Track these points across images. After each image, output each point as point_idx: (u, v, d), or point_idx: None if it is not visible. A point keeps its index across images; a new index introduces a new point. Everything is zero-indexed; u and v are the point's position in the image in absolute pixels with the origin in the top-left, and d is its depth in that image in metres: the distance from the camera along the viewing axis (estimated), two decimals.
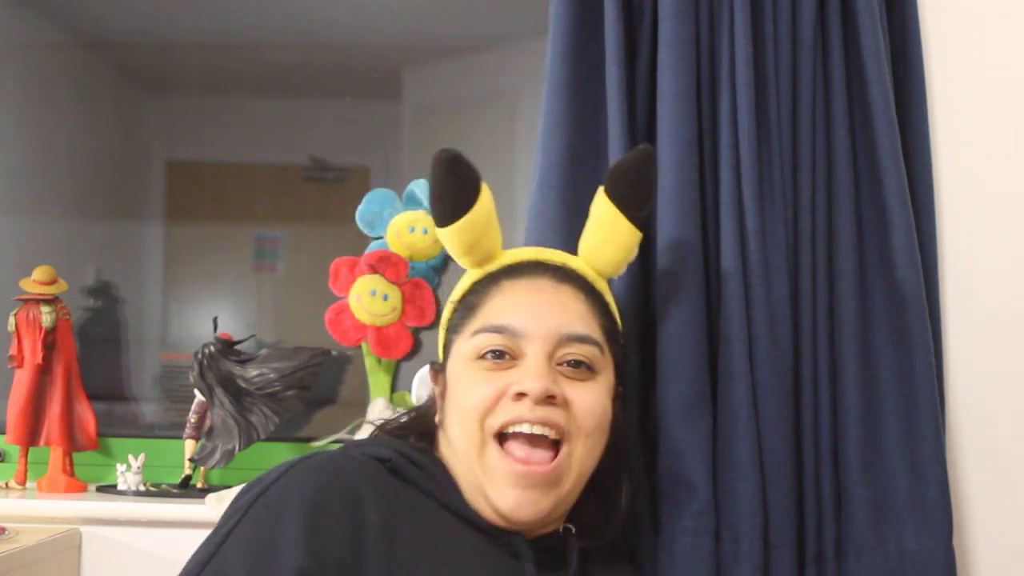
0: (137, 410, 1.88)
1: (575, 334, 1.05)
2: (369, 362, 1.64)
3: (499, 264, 1.12)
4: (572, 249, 1.18)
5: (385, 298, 1.60)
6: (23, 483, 1.62)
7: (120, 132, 2.02)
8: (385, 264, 1.61)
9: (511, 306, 1.06)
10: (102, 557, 1.49)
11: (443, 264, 1.68)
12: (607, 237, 1.12)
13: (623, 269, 1.18)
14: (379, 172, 1.98)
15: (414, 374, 1.53)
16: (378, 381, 1.64)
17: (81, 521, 1.49)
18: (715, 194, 1.32)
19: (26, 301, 1.63)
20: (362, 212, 1.67)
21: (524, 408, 1.01)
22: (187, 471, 1.60)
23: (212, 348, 1.59)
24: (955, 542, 1.29)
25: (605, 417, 1.06)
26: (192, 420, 1.61)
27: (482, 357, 1.04)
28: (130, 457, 1.59)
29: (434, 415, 1.11)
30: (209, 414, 1.59)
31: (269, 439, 1.60)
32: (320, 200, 1.96)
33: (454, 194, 1.08)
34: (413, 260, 1.65)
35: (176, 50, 1.99)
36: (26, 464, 1.62)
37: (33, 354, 1.61)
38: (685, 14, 1.31)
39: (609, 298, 1.15)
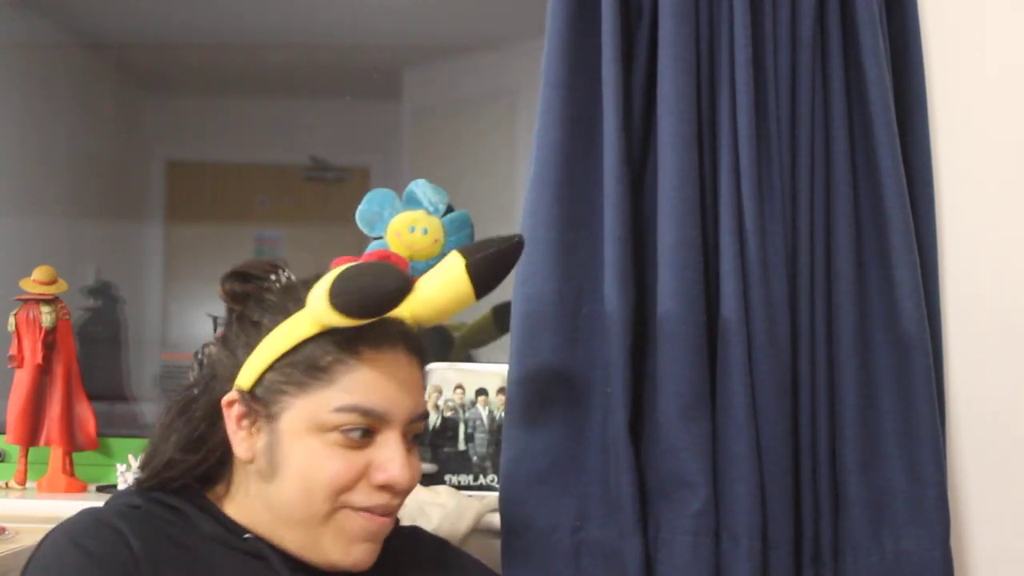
0: (137, 410, 1.88)
1: (421, 413, 1.08)
2: None
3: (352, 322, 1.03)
4: (570, 247, 1.17)
5: None
6: (23, 483, 1.62)
7: (120, 132, 2.03)
8: None
9: (377, 386, 1.03)
10: None
11: None
12: (450, 308, 1.10)
13: None
14: (379, 172, 1.99)
15: None
16: None
17: None
18: (714, 194, 1.32)
19: (26, 301, 1.63)
20: (362, 212, 1.67)
21: (387, 497, 1.03)
22: None
23: (212, 348, 1.59)
24: (952, 543, 1.29)
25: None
26: None
27: (342, 432, 1.01)
28: (130, 457, 1.59)
29: (218, 450, 1.07)
30: None
31: None
32: (320, 200, 1.96)
33: (387, 309, 1.03)
34: (413, 260, 1.65)
35: (176, 50, 1.99)
36: (26, 464, 1.62)
37: (33, 354, 1.61)
38: (685, 14, 1.31)
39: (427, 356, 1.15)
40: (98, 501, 1.53)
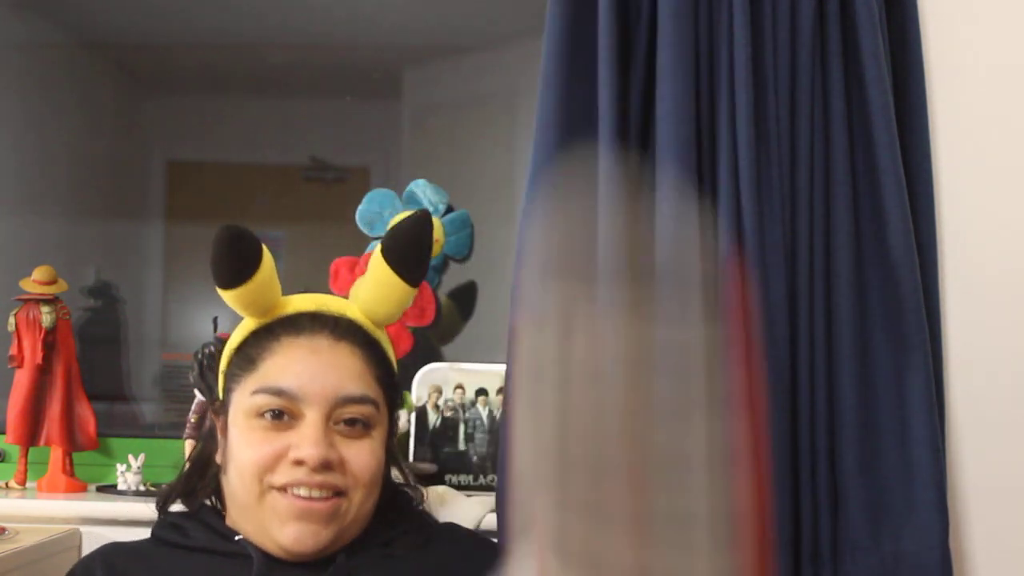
0: (137, 410, 1.88)
1: (352, 395, 1.09)
2: None
3: (278, 315, 1.15)
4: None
5: None
6: (23, 483, 1.62)
7: (120, 132, 2.02)
8: None
9: (290, 367, 1.09)
10: None
11: (443, 264, 1.68)
12: (384, 296, 1.15)
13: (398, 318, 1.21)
14: (379, 172, 1.99)
15: (414, 373, 1.53)
16: None
17: (81, 521, 1.49)
18: (713, 194, 1.32)
19: (26, 301, 1.63)
20: (362, 212, 1.67)
21: (302, 473, 1.06)
22: None
23: (212, 348, 1.59)
24: (951, 543, 1.29)
25: (379, 469, 1.12)
26: (192, 420, 1.61)
27: (261, 416, 1.09)
28: (130, 457, 1.59)
29: (212, 452, 1.16)
30: (209, 414, 1.59)
31: None
32: (320, 200, 1.96)
33: (235, 265, 1.10)
34: None
35: (176, 50, 1.99)
36: (26, 464, 1.62)
37: (33, 354, 1.61)
38: (683, 14, 1.31)
39: (386, 345, 1.18)
40: (98, 501, 1.54)
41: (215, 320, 1.64)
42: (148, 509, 1.49)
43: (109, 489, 1.61)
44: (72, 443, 1.63)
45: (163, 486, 1.25)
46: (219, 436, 1.15)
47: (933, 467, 1.28)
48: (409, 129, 1.95)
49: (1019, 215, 1.42)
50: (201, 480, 1.19)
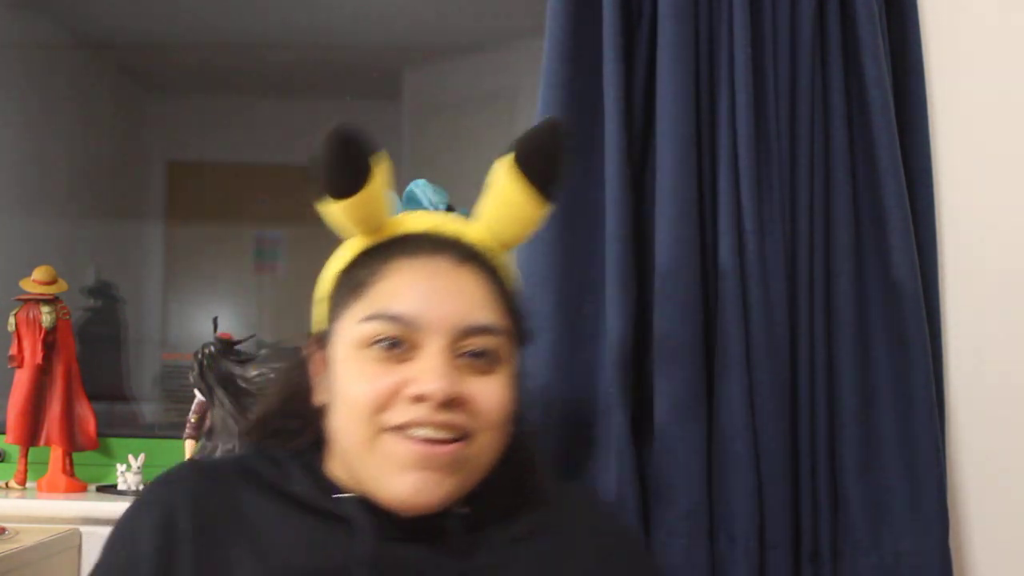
0: (137, 410, 1.88)
1: (478, 325, 0.95)
2: None
3: (391, 235, 1.02)
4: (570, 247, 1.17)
5: None
6: (23, 483, 1.62)
7: (120, 132, 2.03)
8: None
9: (407, 291, 0.96)
10: None
11: None
12: (514, 214, 1.01)
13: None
14: None
15: None
16: None
17: (81, 521, 1.49)
18: (713, 194, 1.32)
19: (26, 301, 1.63)
20: None
21: (424, 411, 0.92)
22: None
23: (212, 348, 1.59)
24: (951, 543, 1.29)
25: (509, 409, 0.98)
26: (192, 420, 1.61)
27: (372, 346, 0.94)
28: (130, 457, 1.59)
29: (307, 395, 1.02)
30: (209, 414, 1.59)
31: None
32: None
33: (353, 168, 0.96)
34: None
35: (176, 50, 1.99)
36: (26, 464, 1.63)
37: (33, 354, 1.61)
38: (684, 14, 1.31)
39: (512, 272, 1.05)
40: (98, 501, 1.54)
41: (215, 320, 1.65)
42: None
43: (109, 489, 1.61)
44: (72, 443, 1.63)
45: (250, 417, 1.10)
46: (318, 375, 1.01)
47: (933, 467, 1.28)
48: (409, 129, 1.95)
49: (1019, 214, 1.42)
50: (294, 422, 1.04)
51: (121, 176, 1.99)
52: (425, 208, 1.66)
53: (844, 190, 1.33)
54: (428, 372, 0.92)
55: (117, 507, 1.49)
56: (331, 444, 1.00)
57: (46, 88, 1.99)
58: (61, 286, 1.65)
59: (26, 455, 1.63)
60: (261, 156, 2.00)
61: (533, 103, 1.37)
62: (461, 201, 1.70)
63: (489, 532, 0.99)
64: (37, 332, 1.61)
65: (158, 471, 1.62)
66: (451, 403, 0.93)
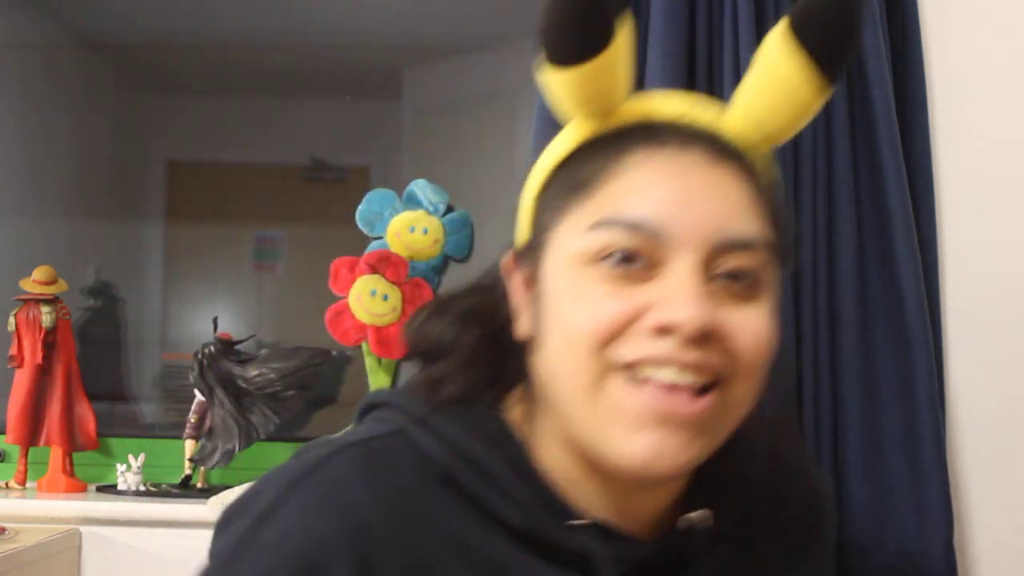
0: (137, 410, 1.88)
1: (740, 238, 0.73)
2: (369, 362, 1.64)
3: (626, 121, 0.78)
4: None
5: (385, 298, 1.60)
6: (23, 483, 1.62)
7: (120, 132, 2.02)
8: (385, 264, 1.61)
9: (650, 191, 0.73)
10: (102, 557, 1.49)
11: (443, 264, 1.68)
12: (787, 97, 0.78)
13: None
14: (379, 172, 1.99)
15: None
16: (378, 381, 1.64)
17: (81, 521, 1.49)
18: None
19: (26, 301, 1.63)
20: (362, 212, 1.67)
21: (668, 347, 0.70)
22: (187, 471, 1.60)
23: (212, 348, 1.59)
24: (955, 542, 1.29)
25: (772, 350, 0.75)
26: (192, 420, 1.61)
27: (602, 260, 0.73)
28: (130, 457, 1.59)
29: (510, 324, 0.80)
30: (209, 414, 1.59)
31: (269, 439, 1.60)
32: (320, 200, 1.96)
33: (589, 27, 0.74)
34: (413, 260, 1.65)
35: (176, 50, 1.99)
36: (26, 464, 1.62)
37: (33, 354, 1.61)
38: (678, 13, 1.31)
39: (774, 175, 0.81)
40: (98, 501, 1.55)
41: (215, 320, 1.65)
42: (148, 509, 1.49)
43: (109, 489, 1.61)
44: (72, 443, 1.63)
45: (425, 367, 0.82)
46: (518, 305, 0.79)
47: (936, 465, 1.28)
48: (409, 129, 1.95)
49: (1020, 214, 1.42)
50: (485, 370, 0.80)
51: (121, 176, 1.99)
52: (425, 208, 1.66)
53: (846, 189, 1.33)
54: (678, 295, 0.70)
55: (117, 507, 1.50)
56: (537, 400, 0.78)
57: (46, 88, 1.99)
58: (61, 286, 1.65)
59: (26, 455, 1.63)
60: (261, 156, 2.00)
61: (532, 103, 1.37)
62: (461, 201, 1.71)
63: (731, 550, 0.81)
64: (37, 332, 1.61)
65: (158, 471, 1.64)
66: (705, 337, 0.71)
